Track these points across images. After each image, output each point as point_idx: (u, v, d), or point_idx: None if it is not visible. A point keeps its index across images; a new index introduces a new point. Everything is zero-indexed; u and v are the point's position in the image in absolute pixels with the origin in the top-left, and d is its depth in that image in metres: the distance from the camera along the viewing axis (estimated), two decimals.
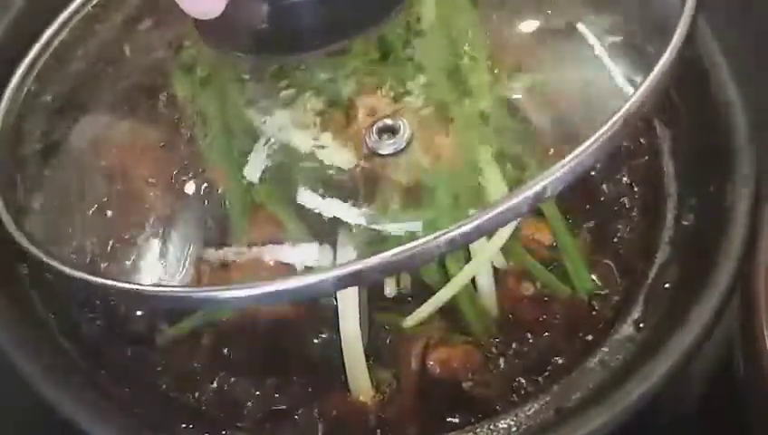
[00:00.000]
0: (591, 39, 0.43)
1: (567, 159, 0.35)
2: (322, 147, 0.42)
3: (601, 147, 0.36)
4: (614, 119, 0.36)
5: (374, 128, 0.41)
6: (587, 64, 0.43)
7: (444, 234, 0.35)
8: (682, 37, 0.38)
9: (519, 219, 0.46)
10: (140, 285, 0.41)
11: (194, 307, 0.44)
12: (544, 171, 0.35)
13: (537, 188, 0.35)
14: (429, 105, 0.42)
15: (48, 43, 0.48)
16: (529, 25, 0.46)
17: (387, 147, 0.41)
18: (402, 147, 0.41)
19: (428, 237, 0.35)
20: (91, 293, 0.46)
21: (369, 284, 0.44)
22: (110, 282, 0.39)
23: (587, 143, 0.35)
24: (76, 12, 0.49)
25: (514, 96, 0.43)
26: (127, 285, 0.39)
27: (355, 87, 0.43)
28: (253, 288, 0.36)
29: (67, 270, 0.39)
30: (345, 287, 0.40)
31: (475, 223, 0.35)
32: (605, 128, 0.36)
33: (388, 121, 0.41)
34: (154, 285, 0.41)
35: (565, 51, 0.44)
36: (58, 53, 0.48)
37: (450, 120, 0.42)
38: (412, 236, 0.37)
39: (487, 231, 0.36)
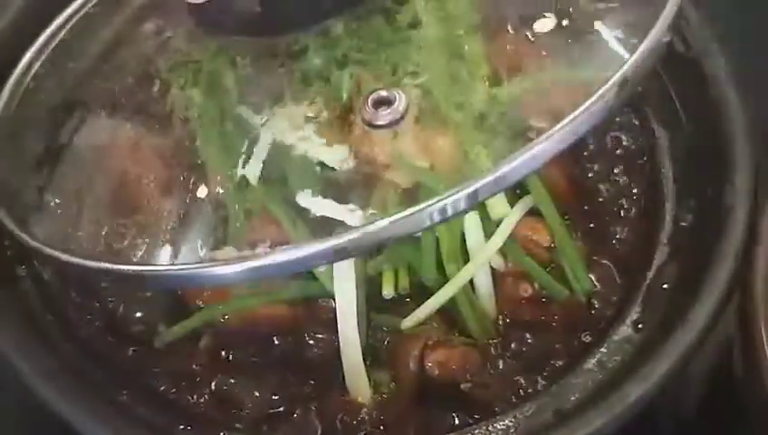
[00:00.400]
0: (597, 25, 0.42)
1: (564, 121, 0.35)
2: (317, 127, 0.41)
3: (601, 109, 0.35)
4: (614, 79, 0.36)
5: (369, 100, 0.40)
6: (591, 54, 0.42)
7: (436, 202, 0.34)
8: None
9: (518, 219, 0.46)
10: (137, 265, 0.40)
11: (192, 284, 0.44)
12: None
13: (535, 150, 0.35)
14: (425, 87, 0.41)
15: (47, 43, 0.48)
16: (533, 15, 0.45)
17: (383, 117, 0.39)
18: (398, 117, 0.39)
19: (421, 205, 0.34)
20: (88, 282, 0.47)
21: (365, 254, 0.44)
22: (105, 265, 0.38)
23: (586, 104, 0.35)
24: (76, 12, 0.49)
25: (512, 87, 0.42)
26: (123, 267, 0.38)
27: (350, 69, 0.42)
28: (250, 261, 0.35)
29: (64, 257, 0.39)
30: (343, 259, 0.39)
31: (468, 190, 0.34)
32: (607, 86, 0.35)
33: (383, 93, 0.40)
34: (151, 265, 0.41)
35: (569, 41, 0.43)
36: (57, 53, 0.48)
37: (447, 110, 0.41)
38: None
39: (479, 200, 0.35)
